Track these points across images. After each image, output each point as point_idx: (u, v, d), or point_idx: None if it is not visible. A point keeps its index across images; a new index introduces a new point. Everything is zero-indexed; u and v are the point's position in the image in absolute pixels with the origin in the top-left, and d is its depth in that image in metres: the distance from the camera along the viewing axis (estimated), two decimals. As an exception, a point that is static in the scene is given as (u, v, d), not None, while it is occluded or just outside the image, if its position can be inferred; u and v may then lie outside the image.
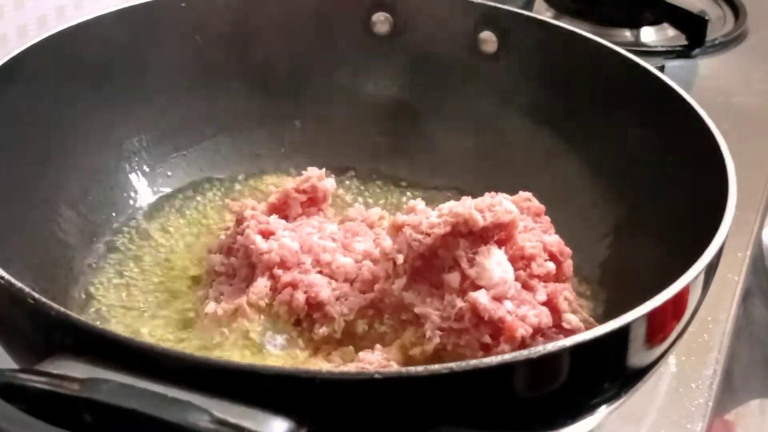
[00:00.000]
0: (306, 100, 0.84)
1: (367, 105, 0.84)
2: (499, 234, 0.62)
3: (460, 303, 0.60)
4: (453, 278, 0.62)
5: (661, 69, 0.85)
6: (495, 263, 0.61)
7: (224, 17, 0.81)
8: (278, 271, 0.64)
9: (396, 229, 0.63)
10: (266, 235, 0.66)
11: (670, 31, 1.17)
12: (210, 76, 0.82)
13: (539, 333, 0.61)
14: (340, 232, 0.69)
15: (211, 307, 0.65)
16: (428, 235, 0.62)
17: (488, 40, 0.82)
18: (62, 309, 0.46)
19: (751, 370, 0.85)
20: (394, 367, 0.59)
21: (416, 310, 0.62)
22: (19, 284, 0.48)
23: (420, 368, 0.44)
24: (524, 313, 0.60)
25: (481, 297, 0.60)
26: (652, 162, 0.71)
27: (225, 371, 0.43)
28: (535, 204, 0.69)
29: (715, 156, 0.63)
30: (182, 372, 0.42)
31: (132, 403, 0.40)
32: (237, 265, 0.67)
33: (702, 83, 1.09)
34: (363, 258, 0.67)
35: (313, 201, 0.72)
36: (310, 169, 0.73)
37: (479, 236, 0.62)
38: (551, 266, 0.64)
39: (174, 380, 0.42)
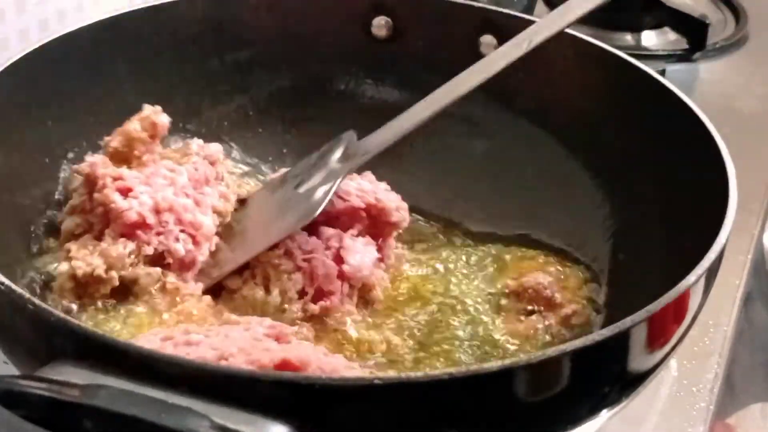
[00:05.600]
0: (305, 104, 0.84)
1: (367, 109, 0.84)
2: None
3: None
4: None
5: (662, 73, 0.85)
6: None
7: (224, 21, 0.82)
8: (143, 235, 0.65)
9: None
10: (124, 192, 0.66)
11: (671, 35, 1.17)
12: (209, 81, 0.82)
13: None
14: (189, 183, 0.70)
15: (64, 267, 0.64)
16: None
17: (489, 44, 0.82)
18: (62, 315, 0.47)
19: (752, 373, 0.85)
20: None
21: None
22: (19, 290, 0.48)
23: (420, 373, 0.44)
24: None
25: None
26: (653, 166, 0.71)
27: (225, 377, 0.43)
28: None
29: (716, 160, 0.63)
30: (182, 378, 0.42)
31: (132, 409, 0.40)
32: (95, 223, 0.67)
33: (703, 87, 1.09)
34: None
35: (153, 138, 0.72)
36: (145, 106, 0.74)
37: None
38: None
39: (174, 386, 0.42)
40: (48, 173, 0.71)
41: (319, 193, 0.70)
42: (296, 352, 0.52)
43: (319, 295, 0.66)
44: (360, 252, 0.69)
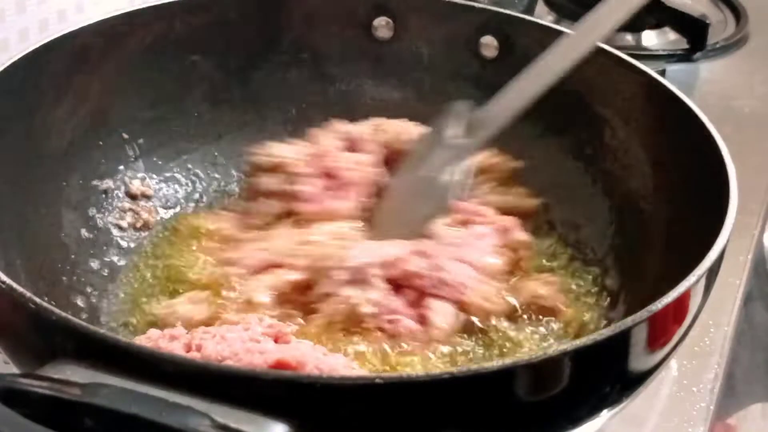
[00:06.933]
0: (306, 104, 0.84)
1: (368, 110, 0.84)
2: None
3: None
4: None
5: (662, 73, 0.85)
6: None
7: (226, 22, 0.82)
8: None
9: None
10: None
11: (671, 35, 1.17)
12: (209, 81, 0.82)
13: None
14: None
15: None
16: None
17: (489, 44, 0.82)
18: (63, 313, 0.46)
19: (752, 374, 0.85)
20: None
21: None
22: (20, 289, 0.48)
23: (421, 373, 0.44)
24: None
25: None
26: (653, 165, 0.71)
27: (225, 376, 0.43)
28: None
29: (716, 160, 0.63)
30: (183, 376, 0.42)
31: (133, 408, 0.40)
32: None
33: (703, 87, 1.09)
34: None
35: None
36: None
37: None
38: None
39: (175, 385, 0.42)
40: (48, 174, 0.71)
41: (445, 176, 0.70)
42: (292, 352, 0.52)
43: None
44: None
